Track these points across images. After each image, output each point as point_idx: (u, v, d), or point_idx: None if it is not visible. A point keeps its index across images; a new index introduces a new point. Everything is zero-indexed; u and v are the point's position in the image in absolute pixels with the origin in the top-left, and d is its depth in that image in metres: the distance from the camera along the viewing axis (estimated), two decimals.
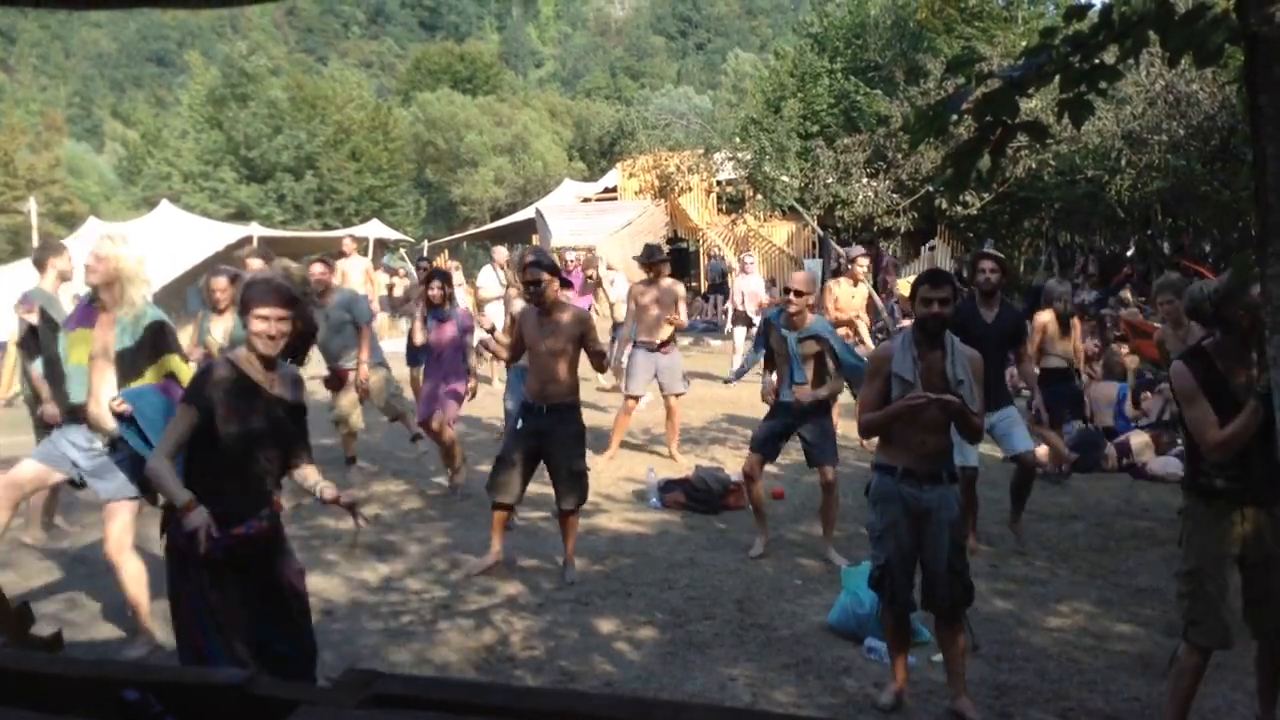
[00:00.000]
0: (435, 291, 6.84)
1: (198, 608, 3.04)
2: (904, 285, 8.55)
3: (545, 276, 5.06)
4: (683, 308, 7.91)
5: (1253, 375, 3.27)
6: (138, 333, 4.00)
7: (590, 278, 11.49)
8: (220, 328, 5.80)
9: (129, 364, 3.99)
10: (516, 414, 5.89)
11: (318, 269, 6.99)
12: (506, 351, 5.70)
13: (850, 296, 8.14)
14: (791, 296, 5.44)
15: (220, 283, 5.75)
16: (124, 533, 4.11)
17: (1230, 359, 3.31)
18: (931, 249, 18.85)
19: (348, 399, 6.96)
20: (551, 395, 5.08)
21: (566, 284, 5.58)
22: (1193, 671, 3.39)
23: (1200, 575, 3.35)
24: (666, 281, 7.84)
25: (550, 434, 5.07)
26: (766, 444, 5.54)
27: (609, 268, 11.82)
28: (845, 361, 5.46)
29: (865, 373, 3.95)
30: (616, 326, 9.85)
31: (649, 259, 7.93)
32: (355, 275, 12.50)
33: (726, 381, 6.25)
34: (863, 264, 8.38)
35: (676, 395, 7.76)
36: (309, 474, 3.32)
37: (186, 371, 4.04)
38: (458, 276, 12.62)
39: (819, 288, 5.72)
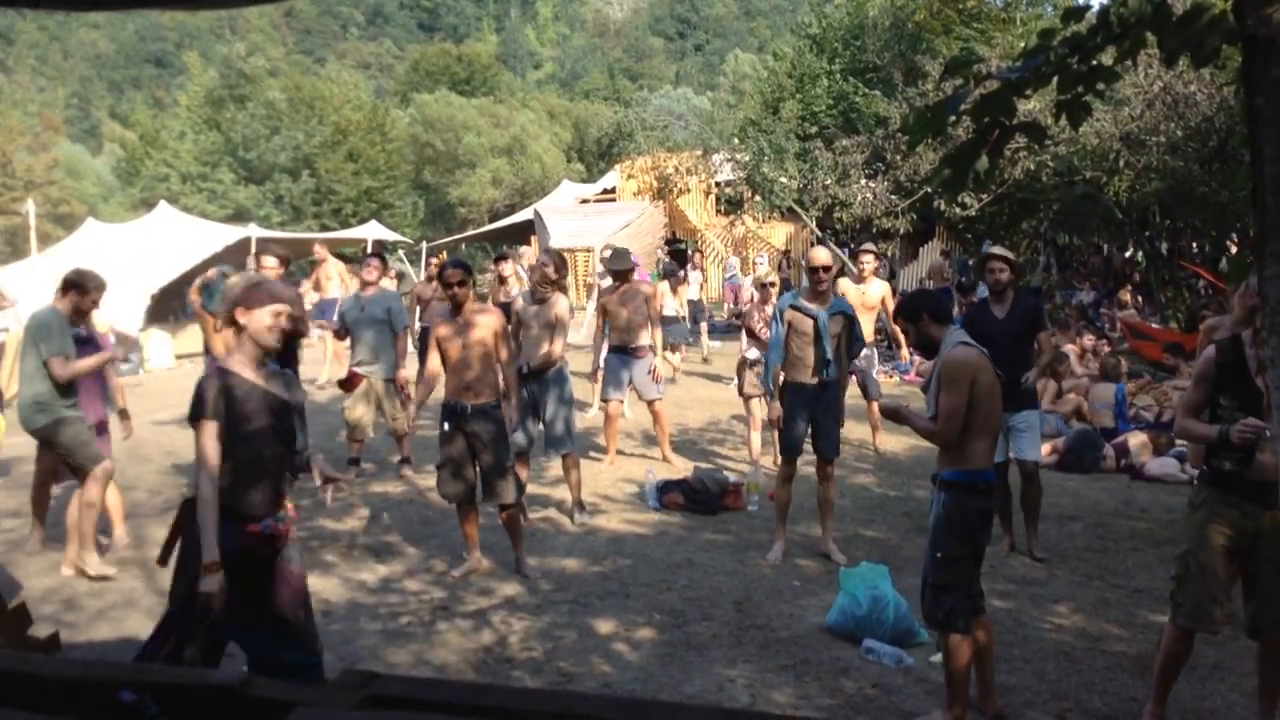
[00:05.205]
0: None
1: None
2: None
3: (462, 276, 5.09)
4: (653, 305, 7.43)
5: None
6: None
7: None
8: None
9: None
10: (523, 413, 5.88)
11: (372, 263, 7.32)
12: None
13: (860, 294, 7.71)
14: (820, 273, 5.39)
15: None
16: None
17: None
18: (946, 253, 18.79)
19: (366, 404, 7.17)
20: (475, 395, 5.09)
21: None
22: (1174, 654, 3.45)
23: (1188, 557, 3.41)
24: (634, 283, 7.41)
25: (476, 434, 5.08)
26: (800, 445, 5.51)
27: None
28: (857, 337, 5.54)
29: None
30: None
31: (614, 268, 7.43)
32: (332, 277, 12.46)
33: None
34: (867, 260, 8.00)
35: (652, 401, 7.51)
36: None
37: None
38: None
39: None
